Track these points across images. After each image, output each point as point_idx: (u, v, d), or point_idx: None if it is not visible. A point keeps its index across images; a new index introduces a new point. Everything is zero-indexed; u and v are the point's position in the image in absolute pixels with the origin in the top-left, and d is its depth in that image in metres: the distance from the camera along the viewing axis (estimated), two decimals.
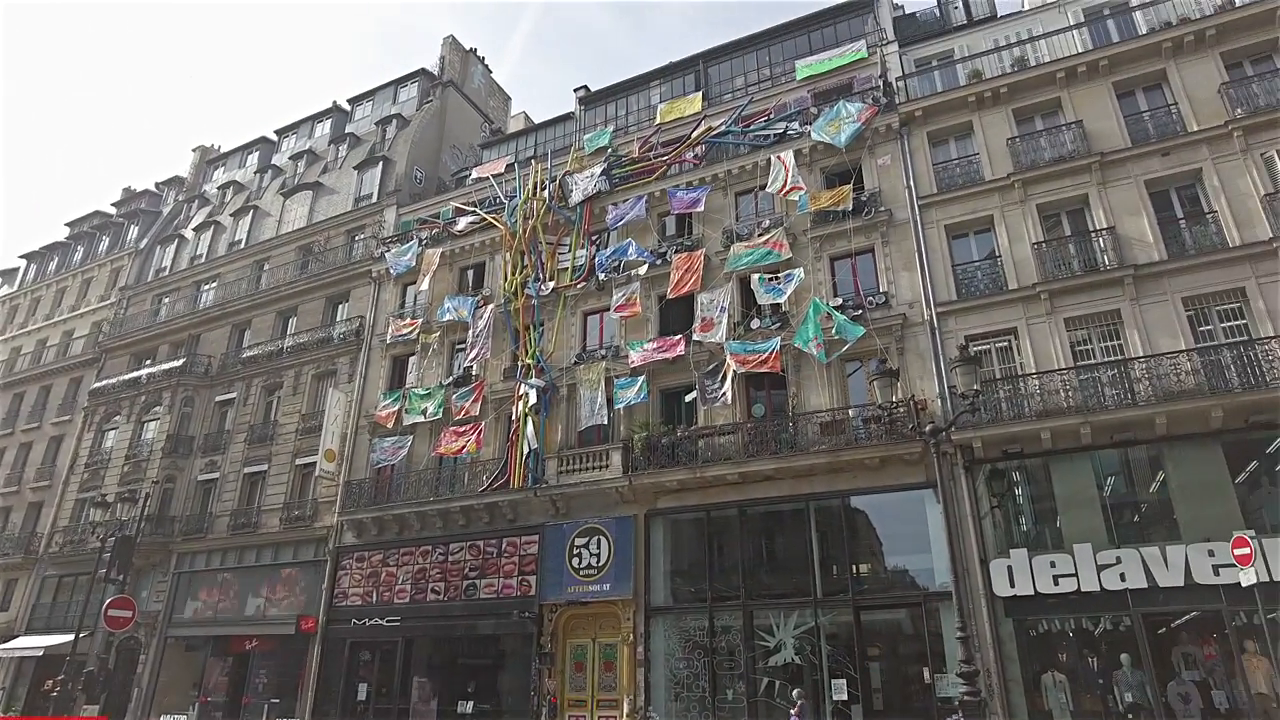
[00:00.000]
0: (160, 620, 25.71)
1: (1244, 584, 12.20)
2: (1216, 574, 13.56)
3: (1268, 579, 12.85)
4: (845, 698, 15.81)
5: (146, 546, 25.21)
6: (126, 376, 31.07)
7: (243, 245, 33.12)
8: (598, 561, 19.22)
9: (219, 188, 37.68)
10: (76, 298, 38.10)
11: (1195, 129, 17.22)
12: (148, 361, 31.79)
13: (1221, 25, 17.73)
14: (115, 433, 30.14)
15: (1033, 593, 14.95)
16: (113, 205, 42.19)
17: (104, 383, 31.68)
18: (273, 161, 36.84)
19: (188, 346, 31.20)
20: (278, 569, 24.66)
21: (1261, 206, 15.91)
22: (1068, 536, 15.25)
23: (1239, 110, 16.85)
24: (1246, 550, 12.10)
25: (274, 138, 38.39)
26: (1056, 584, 14.80)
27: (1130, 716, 13.77)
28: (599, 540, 19.42)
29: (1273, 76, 17.06)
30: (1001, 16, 22.45)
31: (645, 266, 21.63)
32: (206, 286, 33.14)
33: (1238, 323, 15.70)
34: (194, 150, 41.26)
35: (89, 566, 24.40)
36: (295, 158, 35.31)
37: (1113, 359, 16.18)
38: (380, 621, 21.77)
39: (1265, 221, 15.75)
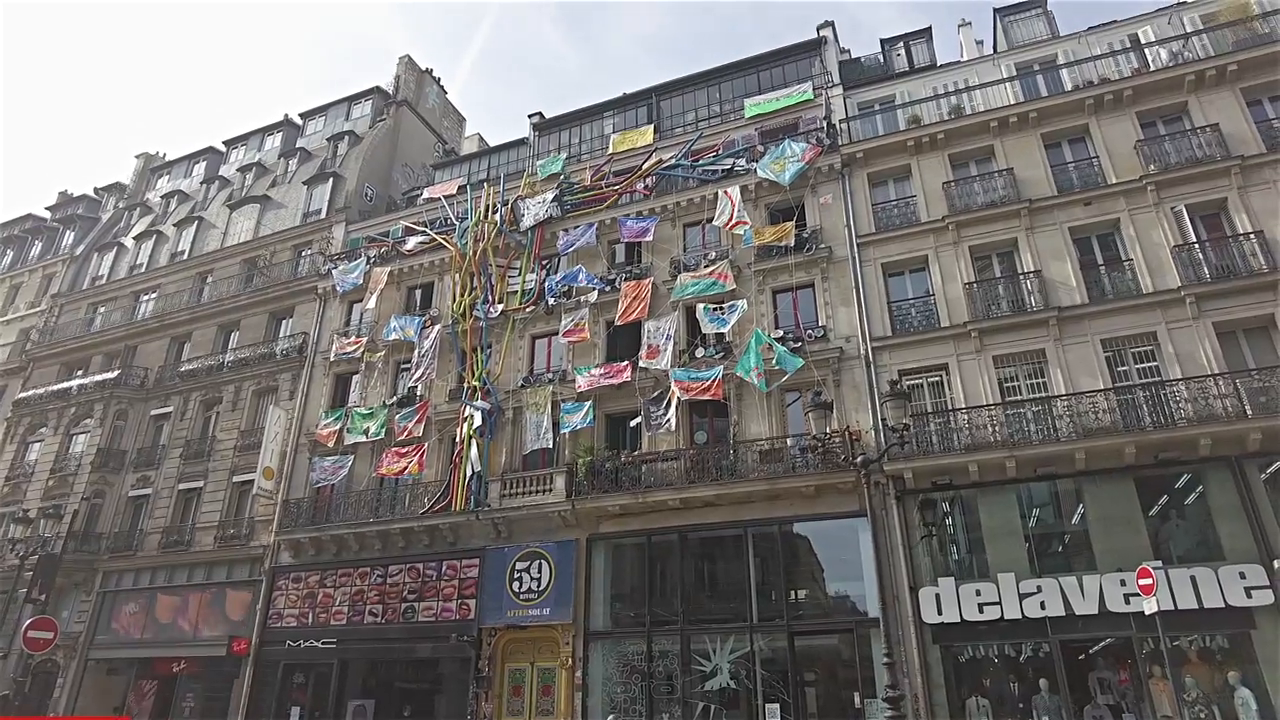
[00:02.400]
0: (81, 641, 24.76)
1: (1147, 612, 12.91)
2: (1127, 602, 14.29)
3: (1172, 607, 13.63)
4: None
5: (70, 564, 24.39)
6: (56, 387, 30.03)
7: (185, 256, 32.44)
8: (538, 585, 19.27)
9: (162, 196, 36.88)
10: (4, 303, 36.70)
11: (1114, 181, 18.35)
12: (79, 372, 30.80)
13: (1137, 87, 19.01)
14: (40, 445, 29.11)
15: (959, 620, 15.51)
16: (47, 209, 40.91)
17: (30, 392, 30.58)
18: (220, 173, 36.24)
19: (123, 358, 30.28)
20: (210, 589, 24.04)
21: (1171, 256, 17.01)
22: (993, 565, 15.88)
23: (1152, 166, 18.05)
24: (1149, 581, 12.85)
25: (222, 148, 37.76)
26: (982, 611, 15.38)
27: None
28: (540, 564, 19.49)
29: (1182, 136, 18.33)
30: (940, 65, 23.58)
31: (594, 293, 21.96)
32: (145, 297, 32.31)
33: (1150, 364, 16.68)
34: (137, 157, 40.28)
35: (6, 585, 23.43)
36: (243, 170, 34.79)
37: (1037, 396, 17.00)
38: (316, 643, 21.38)
39: (1175, 271, 16.84)
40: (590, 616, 18.76)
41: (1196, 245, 17.02)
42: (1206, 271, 16.66)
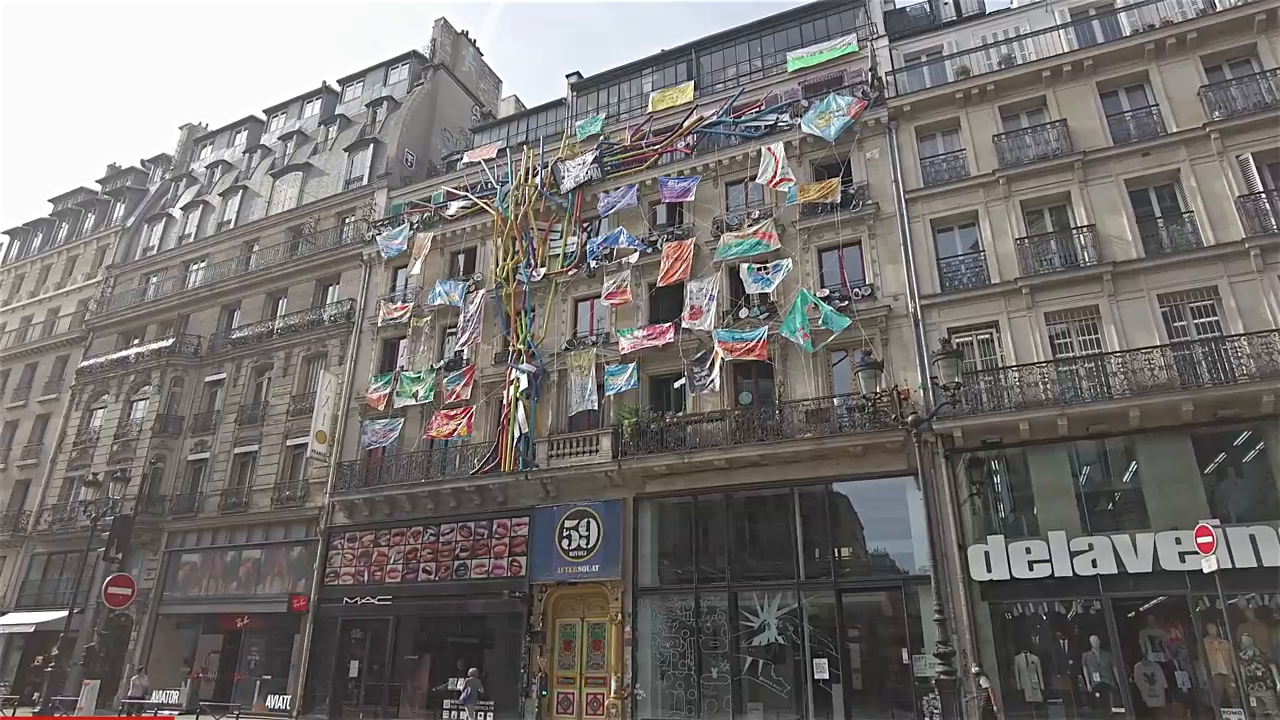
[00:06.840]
0: (152, 598, 25.92)
1: (1205, 570, 12.77)
2: (1182, 561, 14.14)
3: (1230, 566, 13.43)
4: (826, 677, 16.39)
5: (138, 525, 25.34)
6: (114, 356, 31.02)
7: (231, 226, 33.06)
8: (587, 543, 19.63)
9: (207, 167, 37.48)
10: (62, 275, 37.91)
11: (1175, 130, 17.65)
12: (136, 341, 31.78)
13: (1202, 29, 18.13)
14: (104, 412, 30.17)
15: (1008, 577, 15.48)
16: (98, 182, 41.93)
17: (91, 361, 31.65)
18: (262, 141, 36.66)
19: (176, 326, 31.18)
20: (269, 548, 24.94)
21: (1235, 208, 16.39)
22: (1043, 524, 15.80)
23: (1217, 113, 17.31)
24: (1209, 539, 12.68)
25: (263, 117, 38.13)
26: (1031, 569, 15.34)
27: (1097, 696, 14.40)
28: (588, 522, 19.83)
29: (1250, 80, 17.53)
30: (990, 13, 22.78)
31: (636, 254, 21.92)
32: (195, 266, 33.09)
33: (1210, 319, 16.21)
34: (181, 128, 40.89)
35: (78, 544, 24.64)
36: (284, 138, 35.10)
37: (1090, 353, 16.66)
38: (371, 600, 22.14)
39: (1239, 222, 16.23)
40: (638, 573, 19.11)
41: (1263, 195, 16.38)
42: (1274, 222, 16.04)
